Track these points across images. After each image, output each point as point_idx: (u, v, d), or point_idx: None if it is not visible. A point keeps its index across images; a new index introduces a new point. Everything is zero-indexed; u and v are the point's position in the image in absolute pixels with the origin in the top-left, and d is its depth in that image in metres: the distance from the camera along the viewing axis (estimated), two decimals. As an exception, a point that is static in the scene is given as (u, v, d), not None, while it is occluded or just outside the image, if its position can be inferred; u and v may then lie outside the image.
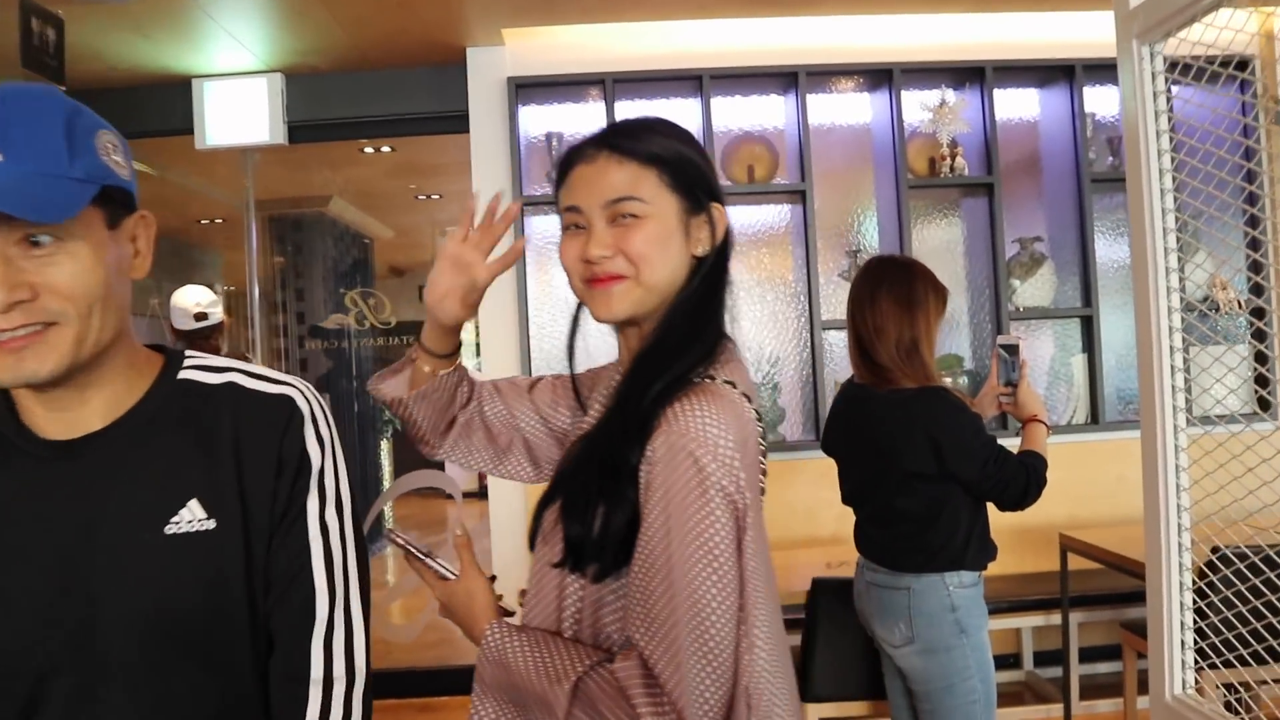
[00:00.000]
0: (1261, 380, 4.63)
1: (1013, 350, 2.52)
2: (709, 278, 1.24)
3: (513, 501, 4.19)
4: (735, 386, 1.18)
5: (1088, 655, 4.22)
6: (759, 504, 1.16)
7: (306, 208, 6.48)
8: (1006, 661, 4.35)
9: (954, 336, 4.53)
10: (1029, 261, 4.35)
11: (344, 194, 6.46)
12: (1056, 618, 3.83)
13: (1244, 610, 1.55)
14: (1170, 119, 1.56)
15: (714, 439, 1.08)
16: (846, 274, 4.37)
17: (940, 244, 4.55)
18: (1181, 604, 1.64)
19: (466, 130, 4.29)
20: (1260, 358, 4.52)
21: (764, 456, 1.23)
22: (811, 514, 4.16)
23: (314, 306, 6.00)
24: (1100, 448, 4.31)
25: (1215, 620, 1.61)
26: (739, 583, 1.10)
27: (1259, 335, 4.54)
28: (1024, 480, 2.30)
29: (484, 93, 4.27)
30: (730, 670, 1.09)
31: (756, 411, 1.20)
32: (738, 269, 4.62)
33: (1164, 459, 1.63)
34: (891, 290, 2.37)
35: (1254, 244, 4.57)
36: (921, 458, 2.31)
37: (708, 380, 1.16)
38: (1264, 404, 4.50)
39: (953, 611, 2.31)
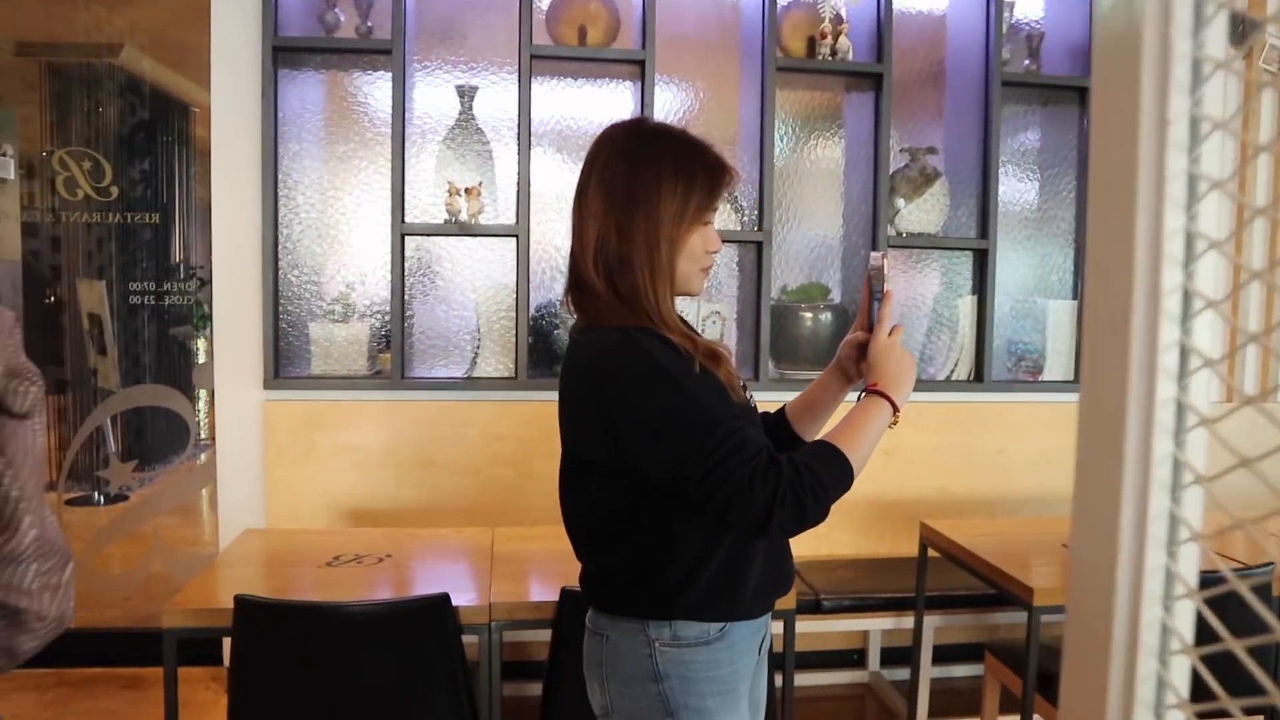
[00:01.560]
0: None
1: (876, 277, 1.66)
2: None
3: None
4: None
5: (945, 655, 3.52)
6: None
7: (91, 56, 5.33)
8: (849, 659, 3.62)
9: (821, 262, 3.71)
10: (918, 177, 3.53)
11: (135, 43, 5.33)
12: (908, 620, 3.10)
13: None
14: None
15: None
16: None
17: (815, 149, 3.70)
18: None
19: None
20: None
21: None
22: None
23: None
24: (983, 411, 3.56)
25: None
26: None
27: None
28: (769, 493, 1.35)
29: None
30: None
31: None
32: (548, 161, 3.80)
33: (1145, 453, 0.80)
34: (605, 175, 1.48)
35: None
36: (593, 439, 1.46)
37: None
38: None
39: (656, 682, 1.46)
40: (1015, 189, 3.78)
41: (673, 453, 1.36)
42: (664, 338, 1.43)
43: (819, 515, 1.38)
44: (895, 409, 1.51)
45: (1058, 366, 3.68)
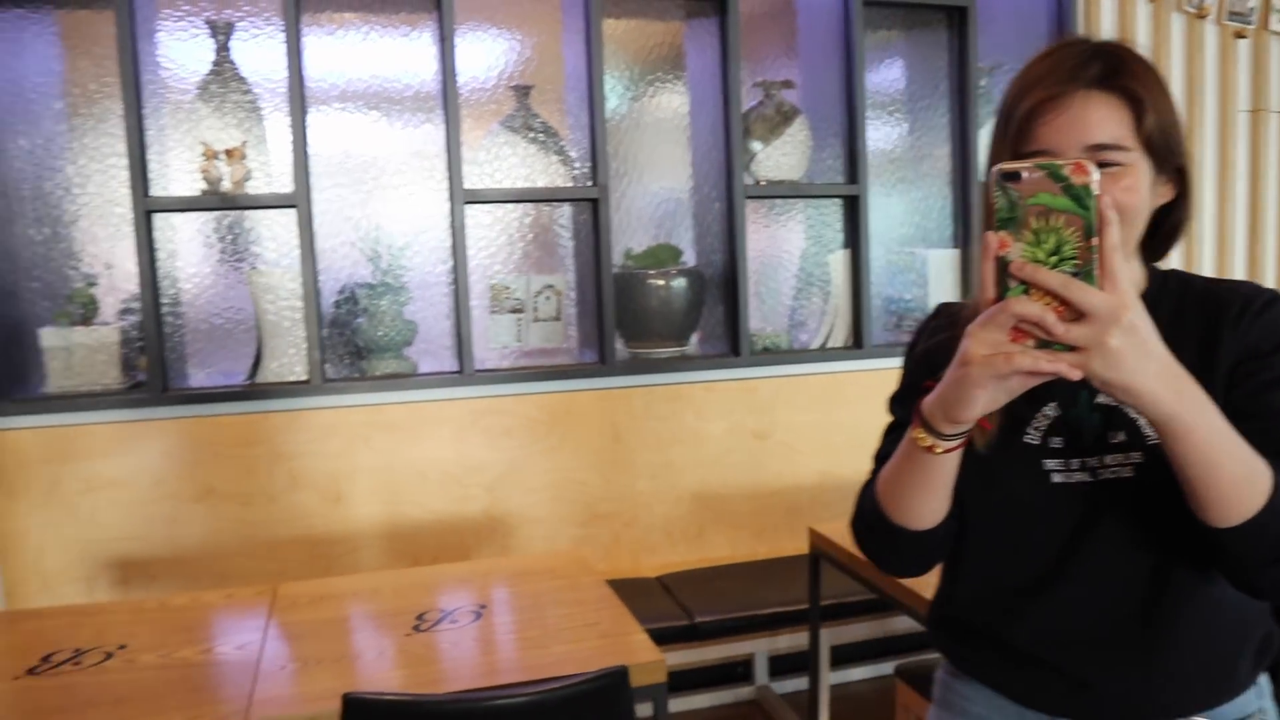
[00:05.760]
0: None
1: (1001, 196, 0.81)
2: None
3: None
4: None
5: (842, 657, 3.09)
6: None
7: None
8: (733, 673, 3.14)
9: (670, 220, 3.19)
10: (775, 115, 3.05)
11: None
12: (800, 637, 2.64)
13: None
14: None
15: None
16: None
17: (656, 93, 3.17)
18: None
19: None
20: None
21: None
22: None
23: None
24: (864, 380, 3.11)
25: None
26: None
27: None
28: None
29: None
30: None
31: None
32: (333, 121, 3.01)
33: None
34: None
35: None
36: None
37: None
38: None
39: None
40: (882, 127, 3.34)
41: None
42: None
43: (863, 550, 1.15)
44: (922, 424, 0.95)
45: (941, 324, 3.27)
